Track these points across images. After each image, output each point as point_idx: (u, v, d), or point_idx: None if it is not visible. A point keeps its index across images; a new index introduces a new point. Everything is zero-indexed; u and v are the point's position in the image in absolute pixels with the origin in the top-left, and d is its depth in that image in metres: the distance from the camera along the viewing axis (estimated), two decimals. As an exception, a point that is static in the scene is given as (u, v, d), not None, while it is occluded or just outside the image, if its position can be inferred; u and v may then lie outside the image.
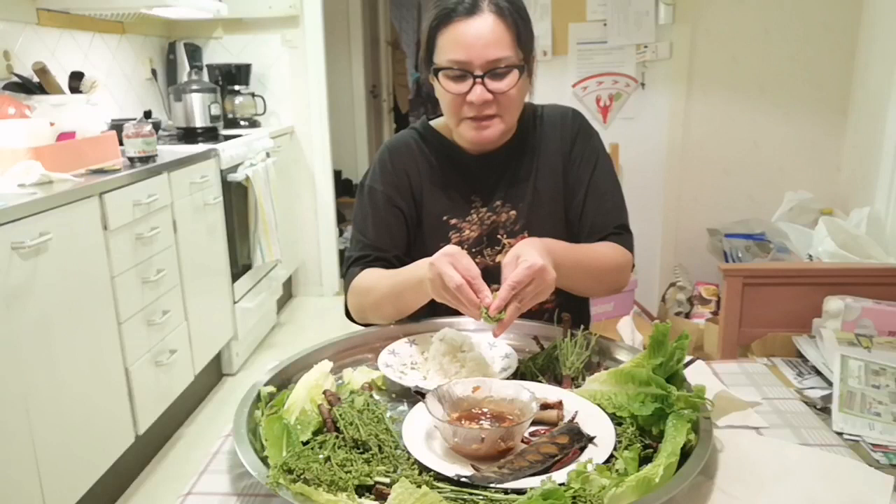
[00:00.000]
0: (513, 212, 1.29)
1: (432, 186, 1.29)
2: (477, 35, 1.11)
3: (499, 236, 1.28)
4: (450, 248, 0.99)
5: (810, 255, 2.38)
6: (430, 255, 1.28)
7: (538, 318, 1.16)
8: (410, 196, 1.29)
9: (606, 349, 1.05)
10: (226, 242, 2.91)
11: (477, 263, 1.26)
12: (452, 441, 0.78)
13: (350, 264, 1.27)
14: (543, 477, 0.69)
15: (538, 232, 1.26)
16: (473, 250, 1.28)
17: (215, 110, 3.26)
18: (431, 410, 0.79)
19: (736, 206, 3.13)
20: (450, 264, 0.96)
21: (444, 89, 1.16)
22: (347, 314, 1.27)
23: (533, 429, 0.82)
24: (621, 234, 1.28)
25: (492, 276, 1.28)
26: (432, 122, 1.33)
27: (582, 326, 1.06)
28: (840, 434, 0.91)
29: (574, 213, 1.29)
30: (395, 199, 1.27)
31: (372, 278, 1.20)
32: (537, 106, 1.34)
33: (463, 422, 0.82)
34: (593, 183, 1.28)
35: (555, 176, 1.29)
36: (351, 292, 1.23)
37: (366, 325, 1.22)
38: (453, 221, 1.28)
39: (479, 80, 1.12)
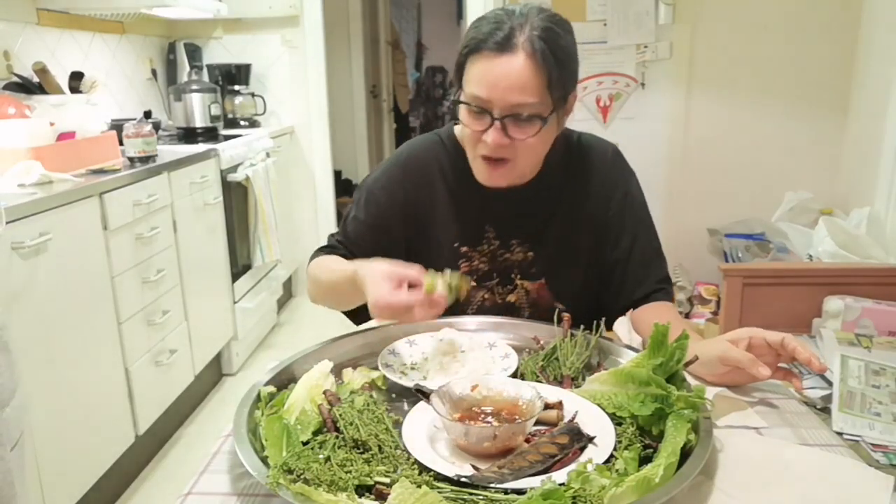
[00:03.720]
0: (530, 253, 1.22)
1: (446, 210, 1.22)
2: (502, 75, 1.02)
3: (512, 276, 1.23)
4: (373, 282, 0.95)
5: (810, 255, 2.38)
6: None
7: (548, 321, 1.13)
8: (413, 216, 1.22)
9: (606, 349, 1.05)
10: (226, 242, 2.91)
11: (485, 300, 1.23)
12: (464, 440, 0.78)
13: (318, 250, 1.25)
14: (543, 477, 0.69)
15: (556, 276, 1.22)
16: (484, 284, 1.23)
17: (215, 110, 3.26)
18: (440, 411, 0.80)
19: (736, 206, 3.13)
20: (389, 302, 0.92)
21: (463, 122, 1.11)
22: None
23: (533, 429, 0.82)
24: (666, 288, 1.24)
25: (498, 312, 1.22)
26: (458, 131, 1.24)
27: (582, 327, 1.06)
28: (840, 434, 0.91)
29: (611, 259, 1.23)
30: (388, 218, 1.22)
31: (321, 268, 1.18)
32: (574, 133, 1.25)
33: (468, 422, 0.82)
34: (638, 235, 1.24)
35: (585, 220, 1.23)
36: (308, 275, 1.22)
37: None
38: (464, 249, 1.22)
39: (497, 122, 1.05)
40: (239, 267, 3.07)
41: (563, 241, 1.22)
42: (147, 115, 3.00)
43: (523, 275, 1.23)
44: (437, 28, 8.54)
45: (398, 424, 0.83)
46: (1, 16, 2.45)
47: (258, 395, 0.90)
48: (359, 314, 1.21)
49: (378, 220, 1.23)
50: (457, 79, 1.11)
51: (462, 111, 1.09)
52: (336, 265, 1.15)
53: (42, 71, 2.44)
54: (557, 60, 1.04)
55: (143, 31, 3.47)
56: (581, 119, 3.18)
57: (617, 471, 0.72)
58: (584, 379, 0.95)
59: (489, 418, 0.83)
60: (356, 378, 0.97)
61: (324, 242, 1.28)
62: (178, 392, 2.47)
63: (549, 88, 1.04)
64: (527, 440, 0.80)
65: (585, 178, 1.22)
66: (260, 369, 1.57)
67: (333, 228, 4.22)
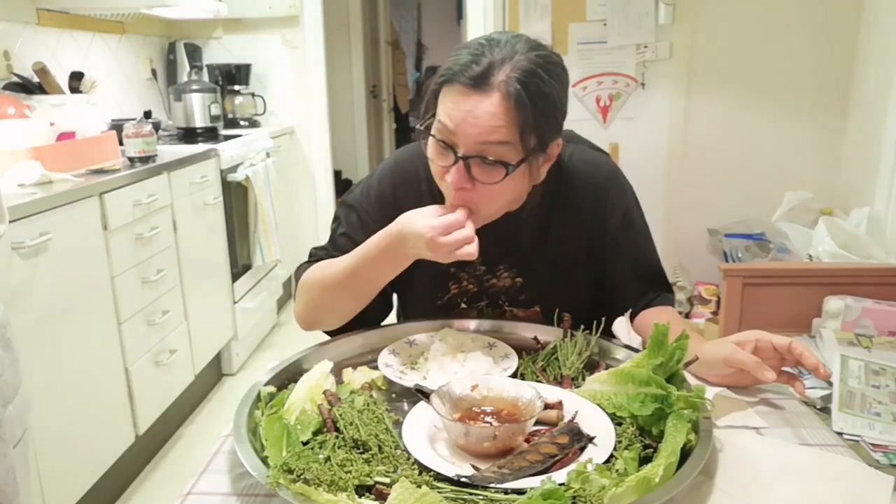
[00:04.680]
0: (518, 279, 1.18)
1: None
2: (471, 112, 0.93)
3: (500, 301, 1.20)
4: (419, 212, 0.98)
5: (810, 255, 2.38)
6: (429, 301, 1.20)
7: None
8: None
9: (606, 349, 1.05)
10: (226, 242, 2.91)
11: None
12: (464, 440, 0.78)
13: (303, 264, 1.18)
14: (543, 477, 0.69)
15: (551, 302, 1.15)
16: (474, 305, 1.20)
17: (215, 110, 3.26)
18: (440, 411, 0.80)
19: (736, 206, 3.12)
20: (440, 238, 0.94)
21: (428, 155, 1.02)
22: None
23: (533, 429, 0.82)
24: (667, 296, 1.21)
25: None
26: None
27: (582, 326, 1.06)
28: (840, 434, 0.91)
29: (610, 283, 1.20)
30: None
31: (320, 270, 1.10)
32: (566, 151, 1.14)
33: (467, 422, 0.82)
34: (638, 257, 1.20)
35: (580, 245, 1.17)
36: (301, 287, 1.13)
37: (333, 332, 1.15)
38: (452, 270, 1.18)
39: (460, 161, 0.96)
40: (239, 267, 3.07)
41: (556, 268, 1.17)
42: (147, 115, 3.00)
43: (511, 301, 1.19)
44: (437, 28, 8.55)
45: (398, 424, 0.83)
46: (1, 16, 2.45)
47: (258, 395, 0.90)
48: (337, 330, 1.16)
49: (370, 235, 1.10)
50: (431, 107, 1.02)
51: (430, 142, 1.01)
52: (342, 259, 1.08)
53: (42, 71, 2.44)
54: (536, 109, 0.94)
55: (143, 31, 3.47)
56: (581, 119, 3.18)
57: (617, 471, 0.72)
58: (584, 379, 0.95)
59: (489, 418, 0.83)
60: (356, 378, 0.97)
61: (324, 242, 1.24)
62: (178, 392, 2.47)
63: (522, 136, 0.95)
64: (527, 440, 0.80)
65: (578, 201, 1.16)
66: (260, 369, 1.57)
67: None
